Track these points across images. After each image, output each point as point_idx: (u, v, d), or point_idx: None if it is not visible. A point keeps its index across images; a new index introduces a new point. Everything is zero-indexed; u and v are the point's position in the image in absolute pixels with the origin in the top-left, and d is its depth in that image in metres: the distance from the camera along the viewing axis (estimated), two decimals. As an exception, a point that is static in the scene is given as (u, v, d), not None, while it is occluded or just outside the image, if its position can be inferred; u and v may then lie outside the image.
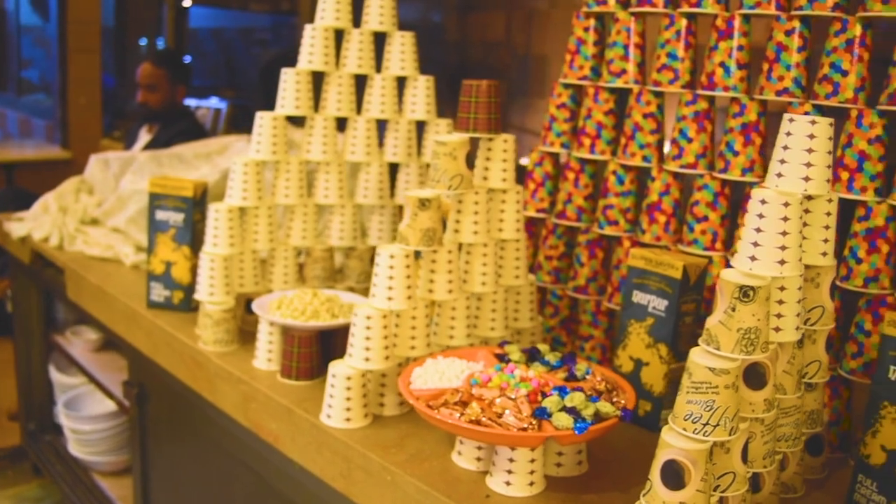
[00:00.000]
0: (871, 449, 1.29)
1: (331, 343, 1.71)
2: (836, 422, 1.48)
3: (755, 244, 1.14)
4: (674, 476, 1.11)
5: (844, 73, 1.45)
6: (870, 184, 1.43)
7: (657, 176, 1.69)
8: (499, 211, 1.67)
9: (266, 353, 1.70)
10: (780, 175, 1.17)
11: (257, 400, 1.63)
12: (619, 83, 1.73)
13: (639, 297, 1.56)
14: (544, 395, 1.32)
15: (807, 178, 1.15)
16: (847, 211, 1.45)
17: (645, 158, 1.71)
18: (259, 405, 1.63)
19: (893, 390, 1.26)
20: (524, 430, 1.24)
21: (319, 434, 1.49)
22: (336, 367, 1.49)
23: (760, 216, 1.14)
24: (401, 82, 1.99)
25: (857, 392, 1.52)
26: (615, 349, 1.60)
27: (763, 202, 1.13)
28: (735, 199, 1.64)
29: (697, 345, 1.16)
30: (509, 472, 1.29)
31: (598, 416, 1.29)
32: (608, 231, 1.77)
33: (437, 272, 1.59)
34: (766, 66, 1.53)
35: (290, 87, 1.85)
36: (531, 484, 1.30)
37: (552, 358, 1.49)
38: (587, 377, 1.42)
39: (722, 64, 1.58)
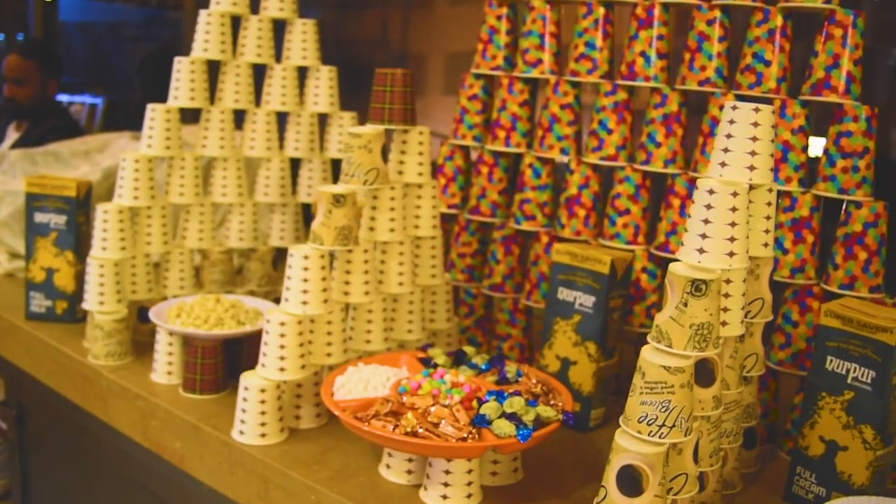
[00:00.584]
0: (810, 440, 1.26)
1: (237, 352, 1.56)
2: (765, 413, 1.45)
3: (703, 236, 1.08)
4: (631, 482, 1.04)
5: (767, 63, 1.41)
6: (794, 174, 1.40)
7: (576, 169, 1.63)
8: (414, 207, 1.57)
9: (165, 366, 1.54)
10: (724, 164, 1.11)
11: (158, 417, 1.47)
12: (534, 73, 1.66)
13: (564, 293, 1.49)
14: (481, 402, 1.23)
15: (752, 167, 1.10)
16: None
17: (563, 151, 1.64)
18: (160, 423, 1.46)
19: (831, 381, 1.23)
20: (463, 440, 1.15)
21: (232, 452, 1.34)
22: (248, 379, 1.35)
23: (708, 207, 1.07)
24: (302, 73, 1.85)
25: (782, 383, 1.49)
26: (540, 348, 1.52)
27: (711, 192, 1.07)
28: (656, 192, 1.59)
29: (626, 341, 1.10)
30: (445, 484, 1.19)
31: (539, 421, 1.20)
32: (525, 226, 1.69)
33: (352, 273, 1.47)
34: (687, 56, 1.49)
35: (184, 78, 1.69)
36: (469, 496, 1.20)
37: (480, 360, 1.40)
38: (520, 380, 1.33)
39: (642, 53, 1.52)
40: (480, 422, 1.17)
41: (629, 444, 1.04)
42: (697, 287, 1.05)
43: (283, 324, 1.34)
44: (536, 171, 1.68)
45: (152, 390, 1.51)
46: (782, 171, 1.40)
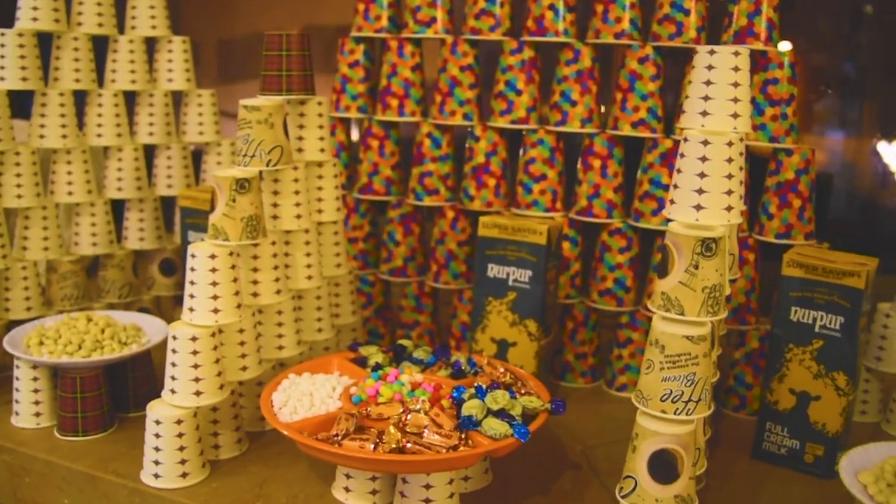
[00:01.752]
0: (779, 395, 1.20)
1: (121, 380, 1.28)
2: (708, 373, 1.39)
3: (700, 191, 0.97)
4: (666, 467, 0.92)
5: (686, 13, 1.33)
6: (721, 124, 1.34)
7: (482, 135, 1.48)
8: (316, 189, 1.35)
9: (31, 407, 1.23)
10: (706, 114, 1.01)
11: (34, 471, 1.16)
12: (428, 33, 1.48)
13: (495, 270, 1.34)
14: (457, 401, 1.05)
15: (735, 115, 1.00)
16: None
17: (466, 116, 1.48)
18: (38, 479, 1.16)
19: (797, 331, 1.18)
20: (455, 448, 0.97)
21: (147, 501, 1.08)
22: (159, 410, 1.09)
23: (703, 159, 0.96)
24: (151, 45, 1.56)
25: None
26: (472, 332, 1.37)
27: (706, 144, 0.96)
28: (569, 154, 1.48)
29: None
30: (427, 500, 1.01)
31: (526, 414, 1.05)
32: (428, 202, 1.52)
33: (261, 270, 1.23)
34: (600, 8, 1.37)
35: (13, 55, 1.35)
36: (454, 511, 1.04)
37: (422, 354, 1.22)
38: (480, 370, 1.18)
39: (552, 7, 1.39)
40: (467, 424, 1.00)
41: (659, 427, 0.92)
42: (708, 247, 0.94)
43: (194, 339, 1.09)
44: (436, 140, 1.51)
45: (18, 439, 1.20)
46: (710, 122, 1.33)
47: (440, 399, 1.07)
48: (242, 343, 1.20)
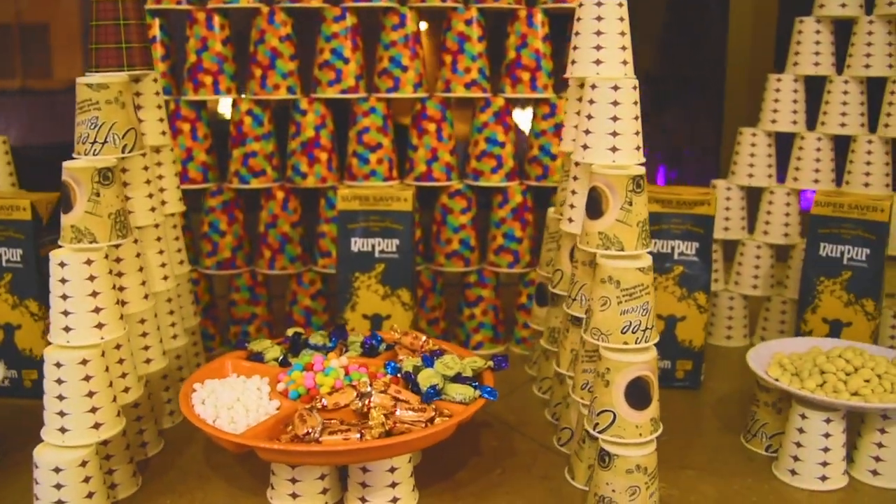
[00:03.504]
0: (813, 324, 1.28)
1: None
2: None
3: (614, 134, 1.00)
4: (640, 393, 0.94)
5: (507, -28, 1.36)
6: (549, 81, 1.39)
7: (308, 108, 1.37)
8: (157, 177, 1.17)
9: None
10: (599, 62, 1.03)
11: None
12: (241, 3, 1.34)
13: (360, 244, 1.27)
14: (408, 376, 0.98)
15: (624, 62, 1.04)
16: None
17: (289, 89, 1.37)
18: None
19: (826, 266, 1.27)
20: (431, 420, 0.91)
21: (59, 567, 0.87)
22: (51, 454, 0.88)
23: (615, 104, 0.99)
24: None
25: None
26: (340, 311, 1.28)
27: (616, 89, 0.99)
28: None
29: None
30: (393, 485, 0.94)
31: (476, 375, 1.02)
32: (256, 184, 1.39)
33: (127, 274, 1.05)
34: (423, -30, 1.35)
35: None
36: (413, 489, 0.97)
37: (319, 339, 1.12)
38: (395, 342, 1.10)
39: (375, -30, 1.33)
40: (432, 394, 0.94)
41: (630, 357, 0.94)
42: (638, 184, 0.97)
43: (84, 362, 0.90)
44: (257, 117, 1.38)
45: None
46: (539, 79, 1.38)
47: (377, 378, 1.00)
48: (121, 361, 1.01)
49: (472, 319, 1.46)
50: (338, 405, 0.93)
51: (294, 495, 0.95)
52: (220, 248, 1.42)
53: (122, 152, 1.00)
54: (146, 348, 1.10)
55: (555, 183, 1.41)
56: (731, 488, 1.02)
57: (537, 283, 1.32)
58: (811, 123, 1.43)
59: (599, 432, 0.94)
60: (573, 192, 1.10)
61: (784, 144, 1.47)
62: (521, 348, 1.47)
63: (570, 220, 1.10)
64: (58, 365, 0.89)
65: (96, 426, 0.91)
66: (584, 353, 1.03)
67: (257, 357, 1.09)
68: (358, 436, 0.86)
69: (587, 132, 1.01)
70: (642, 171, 0.98)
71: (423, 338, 1.09)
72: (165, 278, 1.15)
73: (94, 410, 0.91)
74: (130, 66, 1.05)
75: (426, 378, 0.96)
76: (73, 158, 0.98)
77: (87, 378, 0.90)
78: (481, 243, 1.46)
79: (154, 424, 1.10)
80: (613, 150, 1.00)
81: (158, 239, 1.13)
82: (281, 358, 1.07)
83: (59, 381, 0.89)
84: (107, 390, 0.92)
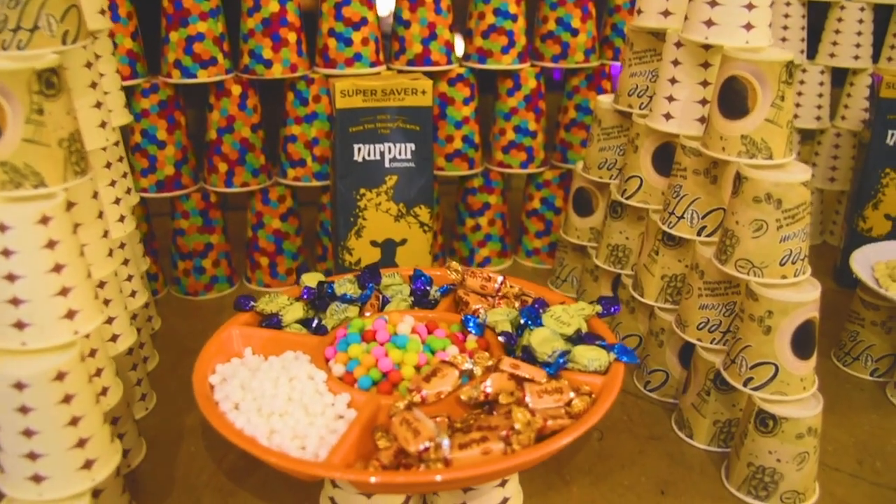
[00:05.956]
0: (874, 221, 1.09)
1: None
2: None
3: (749, 6, 0.73)
4: (807, 339, 0.75)
5: None
6: None
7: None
8: (99, 75, 0.79)
9: None
10: None
11: None
12: None
13: (364, 151, 0.94)
14: (512, 343, 0.71)
15: None
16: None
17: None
18: None
19: (893, 155, 1.07)
20: (569, 404, 0.65)
21: None
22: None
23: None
24: None
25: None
26: (341, 241, 0.97)
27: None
28: None
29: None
30: (504, 482, 0.69)
31: (591, 328, 0.76)
32: (203, 77, 1.01)
33: (84, 224, 0.69)
34: None
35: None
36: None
37: (349, 289, 0.82)
38: (453, 284, 0.82)
39: None
40: (560, 364, 0.68)
41: (800, 297, 0.71)
42: (790, 72, 0.72)
43: (61, 376, 0.57)
44: (199, -14, 0.99)
45: None
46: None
47: (462, 343, 0.73)
48: (93, 352, 0.67)
49: (477, 231, 1.19)
50: (440, 396, 0.65)
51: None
52: (158, 164, 1.05)
53: (63, 43, 0.63)
54: (109, 321, 0.76)
55: (576, 64, 1.13)
56: (861, 429, 0.84)
57: (576, 188, 1.06)
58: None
59: (755, 389, 0.72)
60: (672, 81, 0.83)
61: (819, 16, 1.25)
62: (534, 261, 1.23)
63: (668, 116, 0.84)
64: (18, 387, 0.56)
65: (87, 465, 0.59)
66: (703, 286, 0.80)
67: (273, 321, 0.78)
68: (501, 446, 0.59)
69: (713, 3, 0.74)
70: (792, 55, 0.72)
71: (500, 279, 0.81)
72: (122, 219, 0.80)
73: (81, 444, 0.59)
74: None
75: (544, 341, 0.69)
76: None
77: (68, 399, 0.58)
78: (484, 140, 1.18)
79: (133, 424, 0.78)
80: (748, 27, 0.74)
81: (108, 165, 0.78)
82: (313, 321, 0.77)
83: (24, 411, 0.56)
84: (94, 410, 0.60)
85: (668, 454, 0.80)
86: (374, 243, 0.98)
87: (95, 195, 0.70)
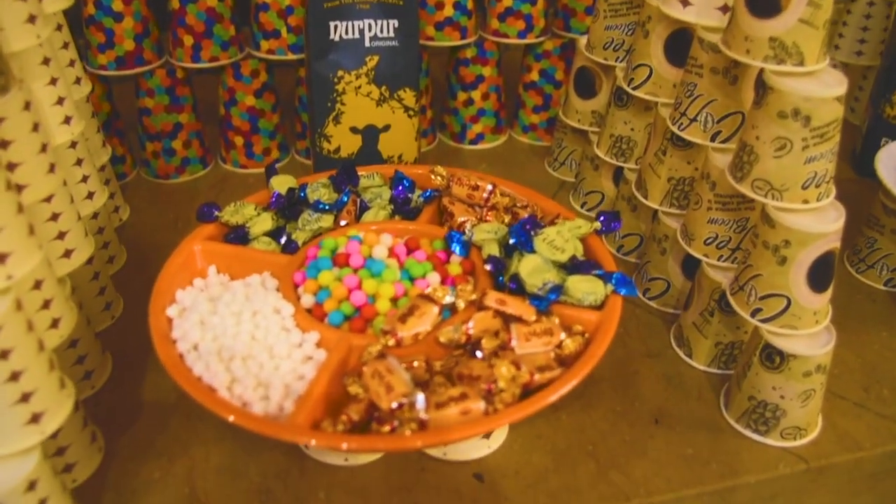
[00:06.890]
0: None
1: None
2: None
3: None
4: (825, 271, 0.68)
5: None
6: None
7: None
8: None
9: None
10: None
11: None
12: None
13: (342, 28, 0.83)
14: (498, 268, 0.64)
15: None
16: None
17: None
18: None
19: None
20: (559, 346, 0.59)
21: None
22: (-17, 487, 0.52)
23: None
24: None
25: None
26: (317, 129, 0.88)
27: None
28: None
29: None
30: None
31: (587, 248, 0.69)
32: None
33: (15, 141, 0.60)
34: None
35: None
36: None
37: (322, 194, 0.74)
38: (437, 189, 0.74)
39: None
40: (551, 300, 0.61)
41: (821, 227, 0.63)
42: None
43: (-8, 331, 0.51)
44: None
45: None
46: None
47: (444, 266, 0.66)
48: (38, 284, 0.61)
49: (470, 106, 1.08)
50: (417, 337, 0.59)
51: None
52: (116, 38, 0.93)
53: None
54: (60, 236, 0.69)
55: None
56: (870, 348, 0.79)
57: (578, 67, 0.95)
58: None
59: (763, 321, 0.66)
60: (694, -40, 0.71)
61: None
62: (530, 137, 1.13)
63: (686, 2, 0.72)
64: None
65: (35, 419, 0.54)
66: (714, 198, 0.72)
67: (239, 235, 0.70)
68: (482, 405, 0.54)
69: None
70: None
71: (489, 187, 0.73)
72: (67, 120, 0.71)
73: (25, 398, 0.53)
74: None
75: (534, 271, 0.62)
76: None
77: (4, 354, 0.52)
78: (478, 5, 1.05)
79: (96, 342, 0.73)
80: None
81: (46, 62, 0.67)
82: (281, 235, 0.70)
83: None
84: (37, 360, 0.54)
85: (665, 376, 0.75)
86: (354, 130, 0.89)
87: (27, 106, 0.61)
